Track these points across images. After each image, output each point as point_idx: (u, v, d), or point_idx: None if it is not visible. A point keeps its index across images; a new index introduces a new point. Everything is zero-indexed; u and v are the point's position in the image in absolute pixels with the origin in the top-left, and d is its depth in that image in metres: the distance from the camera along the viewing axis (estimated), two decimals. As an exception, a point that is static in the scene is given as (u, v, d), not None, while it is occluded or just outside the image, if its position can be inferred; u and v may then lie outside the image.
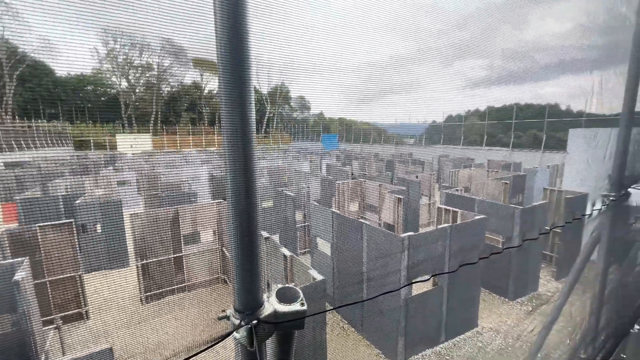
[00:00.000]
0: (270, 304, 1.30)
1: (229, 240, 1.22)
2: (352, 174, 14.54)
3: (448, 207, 7.27)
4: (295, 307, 1.29)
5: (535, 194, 11.97)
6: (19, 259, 4.41)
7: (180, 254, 7.44)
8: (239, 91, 1.16)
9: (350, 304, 7.00)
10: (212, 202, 8.07)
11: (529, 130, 23.44)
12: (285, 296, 1.35)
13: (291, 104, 56.12)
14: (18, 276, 3.72)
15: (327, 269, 7.00)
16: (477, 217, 6.30)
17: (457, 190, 9.72)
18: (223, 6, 1.12)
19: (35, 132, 34.02)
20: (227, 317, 1.26)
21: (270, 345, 1.39)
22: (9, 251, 5.51)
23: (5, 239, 5.47)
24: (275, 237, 7.47)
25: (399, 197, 8.41)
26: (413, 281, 5.27)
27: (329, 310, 5.39)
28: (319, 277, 3.80)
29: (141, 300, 7.04)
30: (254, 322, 1.22)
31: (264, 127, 53.23)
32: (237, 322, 1.22)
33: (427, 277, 5.67)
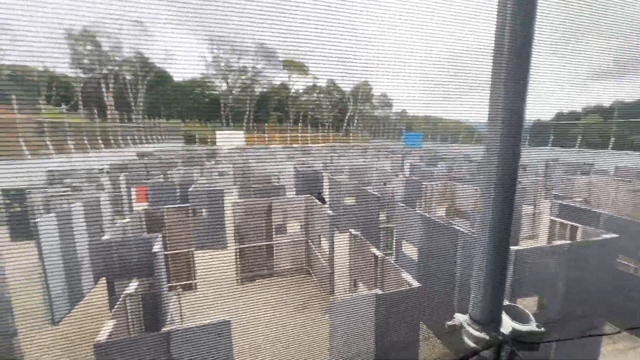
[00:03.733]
0: (506, 321, 1.24)
1: (481, 250, 1.21)
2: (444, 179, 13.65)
3: (564, 220, 6.22)
4: (532, 327, 1.21)
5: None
6: (155, 234, 5.36)
7: (271, 242, 8.05)
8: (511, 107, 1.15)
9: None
10: (301, 196, 8.49)
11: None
12: (515, 314, 1.28)
13: (373, 101, 55.47)
14: (155, 248, 4.53)
15: (413, 275, 6.71)
16: (606, 236, 5.24)
17: (573, 200, 8.26)
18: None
19: (156, 128, 40.72)
20: (460, 326, 1.26)
21: None
22: (144, 226, 6.75)
23: (143, 216, 6.71)
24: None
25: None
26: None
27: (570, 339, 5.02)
28: (414, 283, 3.64)
29: (237, 280, 7.86)
30: (501, 337, 1.17)
31: (344, 126, 53.91)
32: (476, 333, 1.18)
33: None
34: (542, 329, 1.17)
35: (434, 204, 10.23)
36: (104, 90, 44.50)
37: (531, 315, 1.20)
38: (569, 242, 5.03)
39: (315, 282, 7.74)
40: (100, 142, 26.80)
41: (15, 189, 10.45)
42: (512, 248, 4.46)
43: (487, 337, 1.16)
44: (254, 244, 7.95)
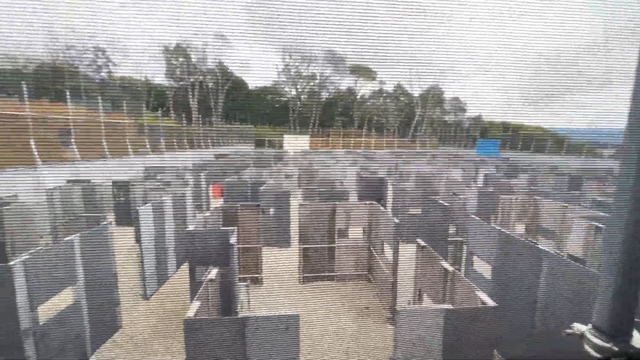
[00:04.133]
0: (639, 336, 1.11)
1: (614, 254, 1.12)
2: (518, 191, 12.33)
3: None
4: None
5: None
6: (231, 227, 5.88)
7: (333, 245, 8.16)
8: None
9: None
10: (365, 202, 8.44)
11: None
12: None
13: (444, 106, 52.56)
14: (232, 240, 4.98)
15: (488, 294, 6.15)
16: None
17: None
18: None
19: (232, 132, 44.41)
20: (580, 335, 1.18)
21: None
22: (221, 220, 7.44)
23: (220, 212, 7.40)
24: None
25: (596, 225, 6.52)
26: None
27: None
28: (490, 302, 3.35)
29: (299, 279, 8.13)
30: (632, 350, 1.07)
31: (411, 131, 52.07)
32: (603, 344, 1.09)
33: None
34: None
35: (513, 220, 9.25)
36: (190, 97, 50.36)
37: None
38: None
39: (376, 290, 7.60)
40: (185, 143, 30.32)
41: (122, 182, 12.41)
42: None
43: (616, 349, 1.04)
44: (317, 246, 8.15)
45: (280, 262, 8.99)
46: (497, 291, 5.98)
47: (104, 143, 17.98)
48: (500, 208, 9.38)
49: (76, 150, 15.97)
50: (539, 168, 19.35)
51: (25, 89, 14.02)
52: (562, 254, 7.75)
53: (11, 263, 4.05)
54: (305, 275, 8.13)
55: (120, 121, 21.57)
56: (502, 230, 5.94)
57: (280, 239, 10.06)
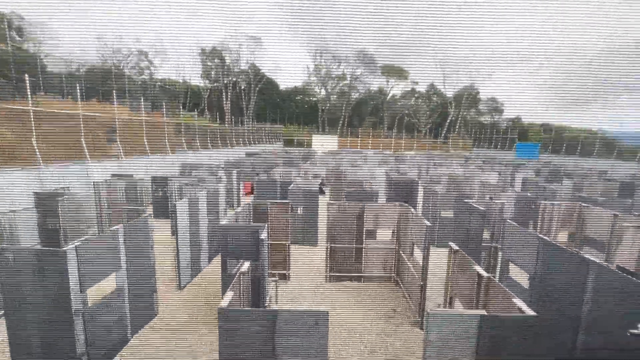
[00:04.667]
0: None
1: None
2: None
3: None
4: None
5: None
6: (262, 224, 6.03)
7: (361, 246, 8.10)
8: None
9: None
10: (394, 203, 8.30)
11: None
12: None
13: (479, 107, 50.38)
14: (262, 236, 5.12)
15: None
16: None
17: None
18: None
19: (263, 132, 45.40)
20: None
21: None
22: (251, 217, 7.65)
23: (252, 208, 7.62)
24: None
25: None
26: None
27: None
28: (529, 311, 3.18)
29: (326, 278, 8.16)
30: None
31: (444, 132, 50.42)
32: None
33: None
34: None
35: (554, 227, 8.69)
36: (223, 98, 52.20)
37: None
38: None
39: (404, 293, 7.46)
40: (219, 141, 31.45)
41: (161, 177, 13.13)
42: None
43: None
44: (344, 245, 8.13)
45: (308, 259, 9.07)
46: (535, 300, 5.65)
47: (145, 141, 19.12)
48: (540, 214, 8.84)
49: (120, 147, 17.11)
50: (585, 172, 17.99)
51: (78, 90, 15.26)
52: (610, 265, 7.16)
53: (64, 248, 4.43)
54: (332, 274, 8.15)
55: (160, 120, 22.83)
56: (542, 236, 5.61)
57: (308, 237, 10.16)
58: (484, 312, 3.21)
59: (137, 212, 10.11)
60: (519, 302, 3.36)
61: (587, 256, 4.84)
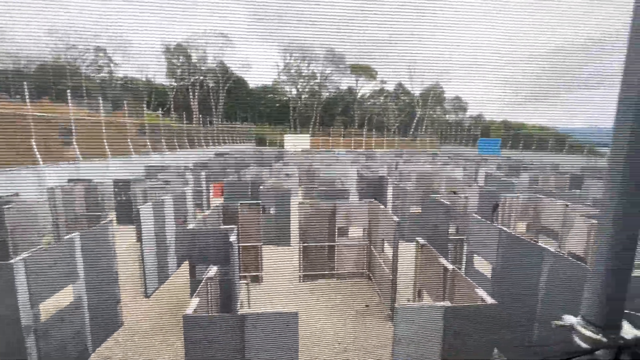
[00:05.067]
0: (628, 328, 1.13)
1: (604, 244, 1.15)
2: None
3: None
4: None
5: None
6: (232, 226, 5.88)
7: (333, 244, 8.16)
8: None
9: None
10: (364, 201, 8.44)
11: None
12: (635, 322, 1.17)
13: (445, 105, 52.49)
14: (232, 238, 4.99)
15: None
16: None
17: None
18: None
19: (232, 131, 44.42)
20: (570, 327, 1.20)
21: None
22: (221, 219, 7.45)
23: (220, 210, 7.41)
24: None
25: (594, 223, 6.50)
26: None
27: None
28: (490, 301, 3.35)
29: (299, 277, 8.14)
30: (622, 341, 1.08)
31: (411, 130, 52.01)
32: (593, 336, 1.11)
33: None
34: None
35: (514, 218, 9.24)
36: (190, 96, 50.44)
37: None
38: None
39: (376, 288, 7.61)
40: (186, 142, 30.34)
41: (123, 181, 12.44)
42: None
43: (605, 340, 1.05)
44: (317, 244, 8.15)
45: (281, 260, 9.00)
46: (498, 289, 5.98)
47: (105, 143, 18.02)
48: (500, 207, 9.37)
49: (77, 149, 16.00)
50: (539, 166, 19.31)
51: (26, 88, 14.06)
52: (563, 252, 7.74)
53: (12, 261, 4.07)
54: (305, 273, 8.14)
55: (121, 120, 21.61)
56: (502, 228, 5.94)
57: (280, 237, 10.07)
58: (448, 303, 3.35)
59: (96, 219, 9.50)
60: (481, 292, 3.53)
61: (541, 244, 5.19)
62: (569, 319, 1.17)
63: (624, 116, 1.06)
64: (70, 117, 16.49)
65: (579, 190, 11.72)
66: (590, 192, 11.36)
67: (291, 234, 10.17)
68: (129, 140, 20.17)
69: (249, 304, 6.12)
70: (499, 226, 6.14)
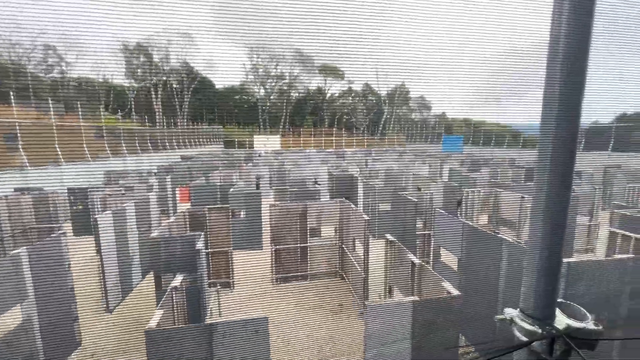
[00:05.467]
0: (561, 318, 1.21)
1: (534, 242, 1.21)
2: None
3: (627, 233, 5.62)
4: (589, 325, 1.17)
5: None
6: (198, 232, 5.67)
7: (305, 245, 8.14)
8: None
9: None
10: (335, 200, 8.50)
11: None
12: (571, 311, 1.24)
13: (410, 104, 54.26)
14: (199, 245, 4.81)
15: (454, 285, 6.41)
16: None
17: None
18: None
19: (199, 133, 43.03)
20: (510, 320, 1.24)
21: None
22: (188, 225, 7.16)
23: (187, 216, 7.12)
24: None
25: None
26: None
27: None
28: (455, 292, 3.50)
29: (272, 280, 8.03)
30: (555, 332, 1.14)
31: (379, 129, 53.24)
32: (530, 327, 1.17)
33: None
34: (600, 327, 1.09)
35: (475, 212, 9.74)
36: (153, 97, 48.13)
37: (588, 314, 1.13)
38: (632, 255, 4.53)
39: (349, 287, 7.69)
40: (149, 145, 28.91)
41: (79, 188, 11.59)
42: (569, 260, 4.11)
43: (540, 331, 1.12)
44: (289, 246, 8.09)
45: (252, 264, 8.83)
46: (463, 280, 6.26)
47: (57, 148, 16.71)
48: (464, 201, 9.84)
49: (24, 156, 14.70)
50: (498, 161, 20.54)
51: (-40, 89, 12.68)
52: (520, 241, 8.27)
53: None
54: (278, 276, 8.05)
55: (75, 124, 20.14)
56: (465, 221, 6.23)
57: (251, 241, 9.88)
58: (416, 298, 3.45)
59: (49, 231, 8.79)
60: (446, 285, 3.67)
61: (500, 235, 5.50)
62: (510, 312, 1.24)
63: (547, 115, 1.15)
64: (16, 121, 15.12)
65: (532, 182, 12.57)
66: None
67: (262, 237, 10.00)
68: (84, 144, 18.86)
69: (219, 311, 5.93)
70: (462, 219, 6.44)
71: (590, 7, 1.14)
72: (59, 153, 16.76)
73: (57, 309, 5.17)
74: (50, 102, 17.44)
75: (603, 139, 21.63)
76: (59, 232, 5.73)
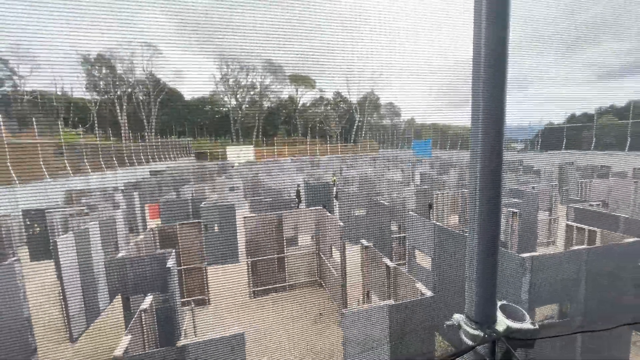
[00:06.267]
0: (502, 319, 1.28)
1: (471, 250, 1.28)
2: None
3: (581, 225, 6.06)
4: (527, 325, 1.24)
5: None
6: (169, 249, 5.44)
7: (282, 255, 8.04)
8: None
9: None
10: (312, 208, 8.51)
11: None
12: (510, 312, 1.32)
13: (380, 111, 55.76)
14: (169, 264, 4.61)
15: (429, 285, 6.58)
16: (630, 239, 5.07)
17: (591, 205, 8.04)
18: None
19: (169, 146, 41.68)
20: (458, 325, 1.28)
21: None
22: (158, 242, 6.86)
23: (157, 233, 6.83)
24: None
25: (513, 211, 7.41)
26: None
27: (570, 334, 4.89)
28: (428, 293, 3.59)
29: (249, 294, 7.84)
30: (495, 334, 1.20)
31: (352, 136, 54.13)
32: (473, 332, 1.22)
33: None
34: (536, 326, 1.18)
35: (447, 213, 10.10)
36: (118, 111, 46.12)
37: (526, 314, 1.21)
38: (586, 247, 4.89)
39: (328, 294, 7.67)
40: (115, 161, 27.55)
41: (36, 210, 10.79)
42: (527, 254, 4.36)
43: (483, 334, 1.18)
44: (266, 257, 7.96)
45: (229, 279, 8.59)
46: (437, 281, 6.44)
47: (9, 167, 15.50)
48: (435, 203, 10.18)
49: (-28, 177, 13.51)
50: (466, 163, 21.50)
51: None
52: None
53: None
54: (255, 289, 7.88)
55: (31, 141, 18.83)
56: (436, 222, 6.44)
57: (227, 255, 9.62)
58: (392, 301, 3.51)
59: (1, 258, 8.11)
60: (420, 286, 3.76)
61: (466, 234, 5.73)
62: (457, 318, 1.30)
63: (475, 119, 1.24)
64: (-39, 140, 13.90)
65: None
66: (507, 184, 12.92)
67: (238, 250, 9.77)
68: (41, 162, 17.64)
69: (194, 330, 5.69)
70: (434, 221, 6.65)
71: (505, 23, 1.25)
72: (12, 173, 15.56)
73: (11, 341, 4.74)
74: (0, 118, 16.24)
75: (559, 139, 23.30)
76: (13, 258, 5.30)
